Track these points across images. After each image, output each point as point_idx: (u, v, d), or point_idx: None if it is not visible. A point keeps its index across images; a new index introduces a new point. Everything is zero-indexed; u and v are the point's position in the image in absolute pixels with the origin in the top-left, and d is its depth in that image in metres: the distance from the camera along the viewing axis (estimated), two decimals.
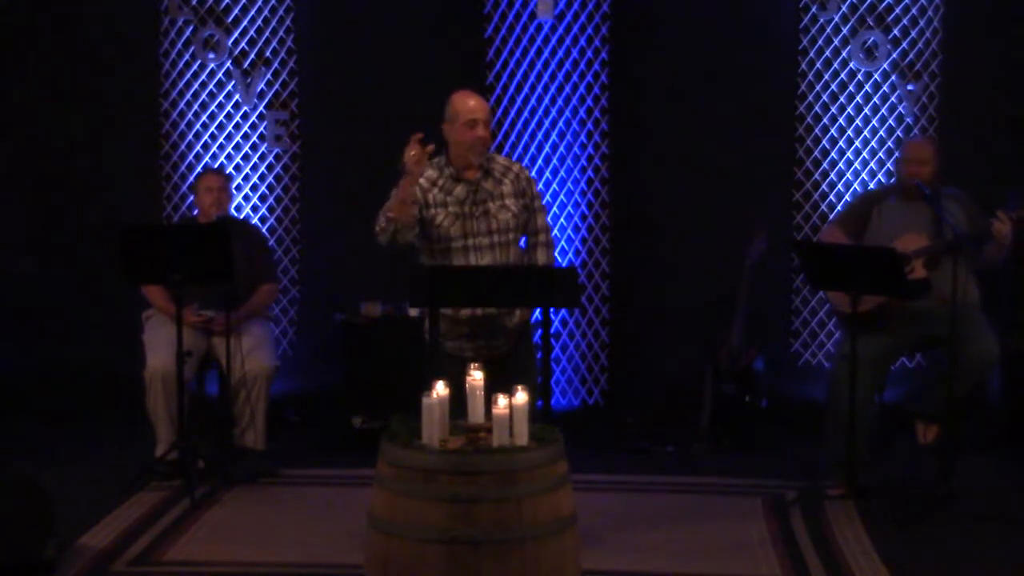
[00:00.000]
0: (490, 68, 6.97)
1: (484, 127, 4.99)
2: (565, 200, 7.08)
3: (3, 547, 4.46)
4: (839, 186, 7.01)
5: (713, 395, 6.60)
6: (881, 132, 6.94)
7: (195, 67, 7.15)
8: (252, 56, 7.14)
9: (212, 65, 7.15)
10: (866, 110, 6.97)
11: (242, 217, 6.98)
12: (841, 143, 7.00)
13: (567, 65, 6.96)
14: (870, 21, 6.93)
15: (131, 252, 5.56)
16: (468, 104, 5.00)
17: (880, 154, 6.95)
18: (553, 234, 6.07)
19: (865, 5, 6.92)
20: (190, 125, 7.17)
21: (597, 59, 6.97)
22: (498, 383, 4.75)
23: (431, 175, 5.03)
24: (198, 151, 7.17)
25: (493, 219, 5.01)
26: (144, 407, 5.88)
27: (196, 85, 7.16)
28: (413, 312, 6.54)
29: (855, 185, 6.97)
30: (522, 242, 5.16)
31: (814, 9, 6.97)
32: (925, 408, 5.64)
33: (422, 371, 4.19)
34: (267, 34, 7.13)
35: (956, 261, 5.25)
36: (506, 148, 6.91)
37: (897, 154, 6.03)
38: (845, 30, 6.95)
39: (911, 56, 6.91)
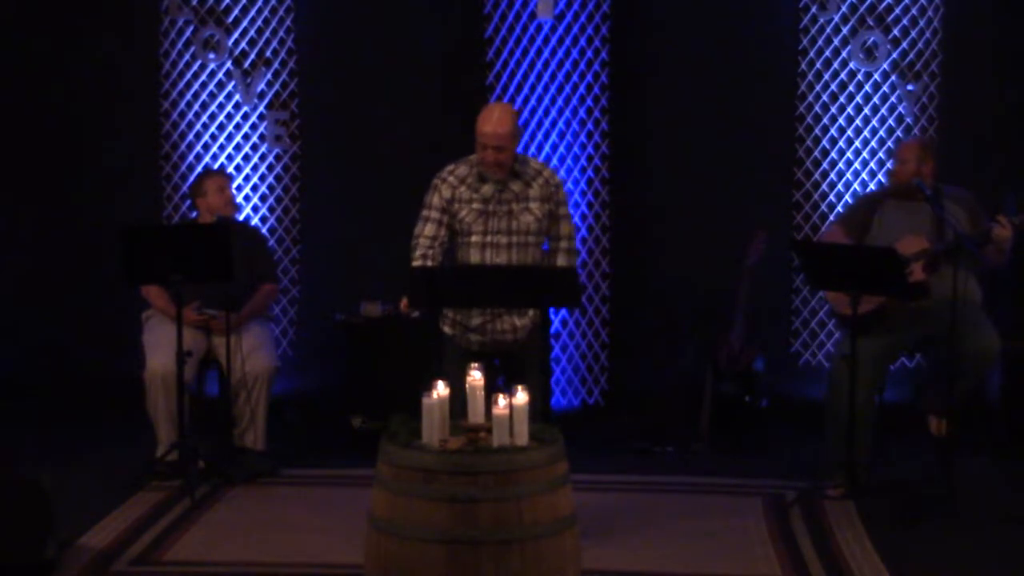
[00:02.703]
0: (490, 68, 6.96)
1: (496, 152, 4.98)
2: None
3: (3, 547, 4.46)
4: (839, 186, 7.01)
5: (713, 395, 6.60)
6: (881, 132, 6.94)
7: (195, 67, 7.15)
8: (252, 56, 7.14)
9: (212, 65, 7.15)
10: (866, 110, 6.97)
11: (242, 217, 6.97)
12: (841, 143, 7.00)
13: (567, 65, 6.95)
14: (870, 21, 6.93)
15: (131, 252, 5.55)
16: (484, 129, 4.99)
17: (880, 154, 6.94)
18: None
19: (865, 5, 6.92)
20: (190, 125, 7.17)
21: (597, 59, 6.96)
22: (504, 377, 4.79)
23: (461, 172, 5.12)
24: (198, 151, 7.17)
25: (514, 220, 5.08)
26: (144, 407, 5.89)
27: (196, 85, 7.16)
28: (415, 312, 6.53)
29: (855, 185, 6.97)
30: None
31: (814, 9, 6.97)
32: (935, 403, 5.63)
33: (431, 364, 4.22)
34: (267, 34, 7.13)
35: (956, 261, 5.25)
36: None
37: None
38: (845, 30, 6.95)
39: (911, 56, 6.91)
